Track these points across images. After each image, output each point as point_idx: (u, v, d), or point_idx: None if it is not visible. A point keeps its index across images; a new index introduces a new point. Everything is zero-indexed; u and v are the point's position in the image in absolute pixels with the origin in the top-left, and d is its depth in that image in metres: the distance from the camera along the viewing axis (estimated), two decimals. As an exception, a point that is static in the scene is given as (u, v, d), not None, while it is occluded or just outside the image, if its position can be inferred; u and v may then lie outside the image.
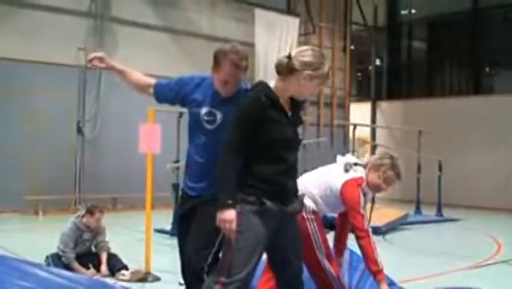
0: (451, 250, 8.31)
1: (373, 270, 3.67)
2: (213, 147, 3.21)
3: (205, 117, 3.38)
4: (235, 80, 3.31)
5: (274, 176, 2.93)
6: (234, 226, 2.84)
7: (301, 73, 2.94)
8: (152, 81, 3.60)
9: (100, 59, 3.55)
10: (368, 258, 3.68)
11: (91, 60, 3.56)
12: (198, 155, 3.41)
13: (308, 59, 2.95)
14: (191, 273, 3.27)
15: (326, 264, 3.86)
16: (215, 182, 3.00)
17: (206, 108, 3.38)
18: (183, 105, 3.56)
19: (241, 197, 2.90)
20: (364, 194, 3.86)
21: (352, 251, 4.56)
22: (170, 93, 3.54)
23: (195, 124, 3.45)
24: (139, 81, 3.63)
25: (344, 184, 3.82)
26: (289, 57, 2.97)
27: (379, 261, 3.67)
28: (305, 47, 3.07)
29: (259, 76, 13.59)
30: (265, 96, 2.93)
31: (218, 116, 3.35)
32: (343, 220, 4.14)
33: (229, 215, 2.83)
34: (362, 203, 3.78)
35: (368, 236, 3.69)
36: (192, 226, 3.34)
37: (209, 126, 3.38)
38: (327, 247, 3.90)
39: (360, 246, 3.74)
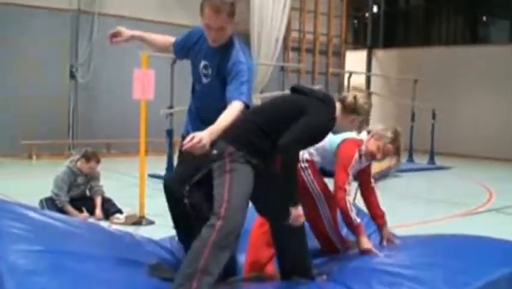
0: (442, 198, 8.40)
1: (351, 227, 3.74)
2: (205, 98, 3.50)
3: (203, 70, 3.46)
4: (217, 25, 3.29)
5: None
6: (303, 219, 3.11)
7: (359, 116, 3.34)
8: (172, 40, 3.71)
9: (118, 34, 3.66)
10: (344, 215, 3.73)
11: (111, 39, 3.67)
12: (195, 104, 3.63)
13: (367, 107, 3.35)
14: (172, 196, 3.50)
15: (326, 212, 3.90)
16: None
17: (203, 61, 3.46)
18: (187, 57, 3.67)
19: (245, 149, 3.01)
20: (360, 156, 3.85)
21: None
22: (181, 47, 3.66)
23: (195, 76, 3.56)
24: (160, 44, 3.76)
25: (345, 140, 3.83)
26: (355, 99, 3.31)
27: (354, 217, 3.71)
28: (363, 94, 3.42)
29: (254, 30, 13.39)
30: (334, 119, 3.27)
31: (210, 71, 3.43)
32: (362, 179, 4.07)
33: (300, 211, 3.08)
34: (353, 163, 3.78)
35: (345, 194, 3.71)
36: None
37: (204, 80, 3.48)
38: (326, 191, 3.92)
39: (337, 203, 3.77)
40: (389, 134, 3.81)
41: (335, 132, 3.50)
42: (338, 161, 3.80)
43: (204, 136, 2.93)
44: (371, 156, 3.85)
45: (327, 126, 3.19)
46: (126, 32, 3.67)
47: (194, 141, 2.90)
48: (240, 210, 2.91)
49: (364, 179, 4.05)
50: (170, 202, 3.58)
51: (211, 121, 3.20)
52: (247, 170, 2.99)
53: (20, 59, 10.92)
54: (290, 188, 3.05)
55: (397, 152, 3.85)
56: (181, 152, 3.56)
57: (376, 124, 3.92)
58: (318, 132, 3.15)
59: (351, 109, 3.28)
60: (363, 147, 3.84)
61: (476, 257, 3.28)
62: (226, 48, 3.38)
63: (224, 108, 3.23)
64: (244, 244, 3.63)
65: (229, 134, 3.03)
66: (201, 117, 3.53)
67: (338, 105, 3.30)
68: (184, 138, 3.59)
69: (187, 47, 3.61)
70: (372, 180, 4.13)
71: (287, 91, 3.47)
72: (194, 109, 3.65)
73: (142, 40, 3.76)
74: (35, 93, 11.04)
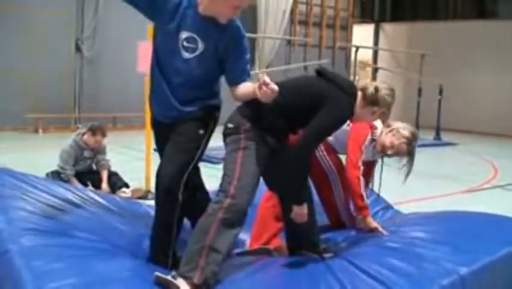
0: (447, 174, 8.40)
1: (359, 205, 3.68)
2: (189, 75, 3.05)
3: (185, 43, 3.02)
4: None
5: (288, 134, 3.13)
6: (306, 217, 3.06)
7: (380, 108, 3.13)
8: None
9: None
10: (355, 193, 3.69)
11: None
12: (167, 82, 3.11)
13: (389, 99, 3.15)
14: (164, 190, 3.04)
15: (338, 188, 3.90)
16: (184, 110, 3.07)
17: (186, 33, 3.00)
18: (152, 17, 3.13)
19: (261, 127, 2.96)
20: (372, 140, 3.81)
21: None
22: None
23: (168, 47, 3.07)
24: None
25: None
26: (376, 89, 3.11)
27: (365, 196, 3.68)
28: (386, 86, 3.19)
29: (262, 3, 13.26)
30: (352, 112, 3.12)
31: (200, 45, 3.01)
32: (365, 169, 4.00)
33: (305, 210, 3.05)
34: (366, 143, 3.75)
35: (358, 172, 3.68)
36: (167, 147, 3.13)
37: (186, 54, 3.02)
38: (339, 167, 3.91)
39: (349, 180, 3.74)
40: (407, 134, 3.73)
41: None
42: (351, 138, 3.76)
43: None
44: (382, 149, 3.80)
45: (345, 119, 3.10)
46: None
47: (275, 89, 2.72)
48: (250, 189, 2.88)
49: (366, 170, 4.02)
50: (162, 195, 3.08)
51: (192, 100, 3.07)
52: (261, 148, 2.94)
53: (26, 32, 10.87)
54: (297, 186, 3.02)
55: (409, 155, 3.77)
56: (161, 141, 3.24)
57: (396, 120, 3.80)
58: (334, 126, 3.06)
59: (372, 100, 3.10)
60: (375, 131, 3.79)
61: (481, 235, 3.27)
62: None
63: (207, 81, 3.09)
64: (252, 216, 3.64)
65: (246, 110, 2.97)
66: (180, 97, 3.09)
67: (359, 94, 3.13)
68: (157, 125, 3.28)
69: (157, 4, 3.04)
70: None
71: (312, 73, 3.29)
72: (168, 89, 3.11)
73: None
74: (41, 66, 11.02)
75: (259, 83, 2.73)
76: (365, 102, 3.10)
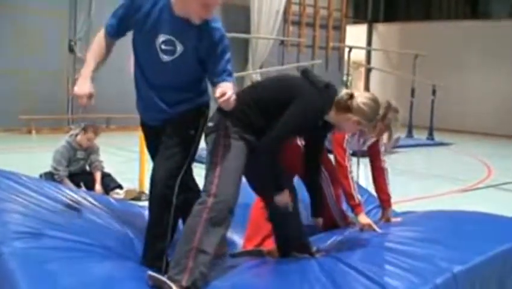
0: (441, 174, 8.42)
1: (351, 204, 3.69)
2: (169, 78, 3.04)
3: (163, 46, 2.98)
4: (217, 3, 2.92)
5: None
6: (289, 202, 3.10)
7: (353, 115, 3.04)
8: (102, 33, 3.26)
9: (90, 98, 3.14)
10: (346, 193, 3.69)
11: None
12: (149, 86, 3.14)
13: (365, 108, 3.04)
14: (158, 195, 3.04)
15: (329, 189, 3.90)
16: (172, 112, 3.07)
17: (164, 36, 2.96)
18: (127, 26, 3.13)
19: (240, 124, 2.96)
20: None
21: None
22: (126, 23, 3.10)
23: (147, 50, 3.04)
24: (104, 51, 3.34)
25: None
26: (351, 96, 3.04)
27: (356, 195, 3.67)
28: (369, 96, 3.13)
29: (255, 3, 13.26)
30: (324, 110, 3.05)
31: (179, 47, 2.97)
32: (372, 157, 4.00)
33: (285, 196, 3.07)
34: (346, 137, 3.75)
35: (347, 171, 3.69)
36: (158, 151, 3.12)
37: (165, 57, 2.99)
38: (329, 167, 3.91)
39: (339, 181, 3.75)
40: (380, 111, 3.72)
41: None
42: (332, 139, 3.78)
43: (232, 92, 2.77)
44: (364, 135, 3.81)
45: (315, 114, 3.03)
46: (92, 88, 3.25)
47: (231, 98, 2.75)
48: (232, 186, 2.86)
49: (373, 157, 4.01)
50: (155, 202, 3.10)
51: (179, 101, 3.05)
52: (240, 145, 2.94)
53: (19, 33, 10.84)
54: (269, 176, 3.02)
55: (388, 129, 3.71)
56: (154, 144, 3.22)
57: None
58: (303, 120, 2.99)
59: (344, 106, 3.02)
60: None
61: (475, 234, 3.28)
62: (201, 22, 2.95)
63: (192, 81, 3.08)
64: (245, 217, 3.65)
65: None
66: (166, 99, 3.09)
67: (336, 100, 3.07)
68: (147, 128, 3.35)
69: (130, 18, 3.03)
70: (383, 160, 4.03)
71: (290, 72, 3.30)
72: (152, 92, 3.12)
73: (98, 66, 3.35)
74: (34, 67, 10.99)
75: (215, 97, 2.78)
76: (339, 108, 3.04)
